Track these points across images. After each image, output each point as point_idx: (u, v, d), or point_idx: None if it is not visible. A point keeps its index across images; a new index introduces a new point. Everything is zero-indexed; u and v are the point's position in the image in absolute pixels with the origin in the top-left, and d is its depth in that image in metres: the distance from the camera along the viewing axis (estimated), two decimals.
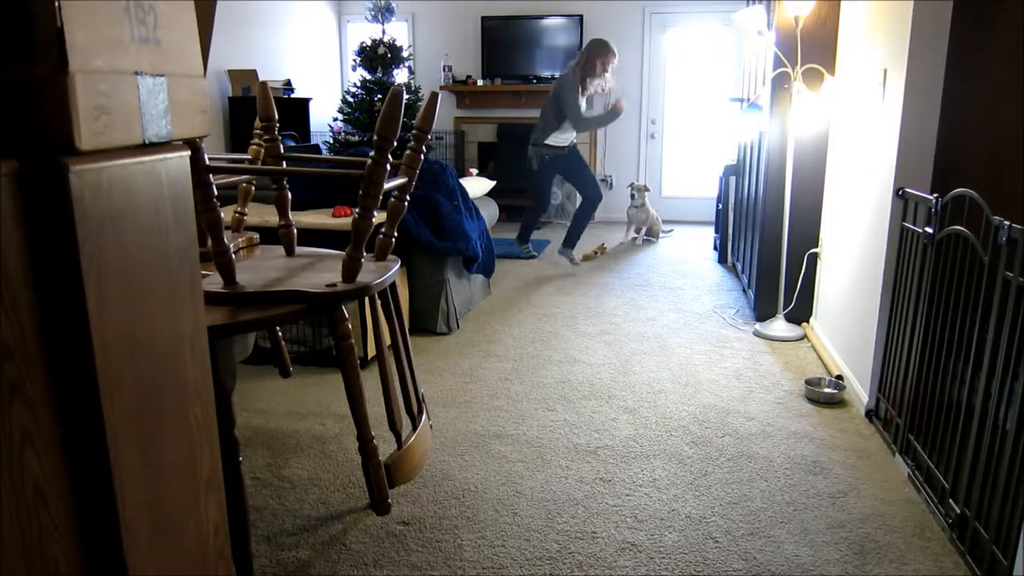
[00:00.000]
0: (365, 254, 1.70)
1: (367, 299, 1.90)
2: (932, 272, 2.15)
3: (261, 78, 5.96)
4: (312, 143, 6.52)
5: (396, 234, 1.93)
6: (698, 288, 4.60)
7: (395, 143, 1.58)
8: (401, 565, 1.80)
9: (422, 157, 1.85)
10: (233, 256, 1.60)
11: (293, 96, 6.44)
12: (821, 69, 3.37)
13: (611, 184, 7.35)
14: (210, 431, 0.97)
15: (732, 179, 5.30)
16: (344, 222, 3.09)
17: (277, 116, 2.03)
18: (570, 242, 5.19)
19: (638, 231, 6.24)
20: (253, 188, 2.13)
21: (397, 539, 1.91)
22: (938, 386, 2.10)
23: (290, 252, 2.00)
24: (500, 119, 7.55)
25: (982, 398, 1.81)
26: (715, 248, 5.73)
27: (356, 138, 6.74)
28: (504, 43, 7.41)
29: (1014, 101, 2.42)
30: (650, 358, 3.27)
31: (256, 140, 2.05)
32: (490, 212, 4.93)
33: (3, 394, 0.65)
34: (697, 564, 1.81)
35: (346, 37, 7.89)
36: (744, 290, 4.42)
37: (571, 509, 2.04)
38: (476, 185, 4.87)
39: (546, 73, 7.30)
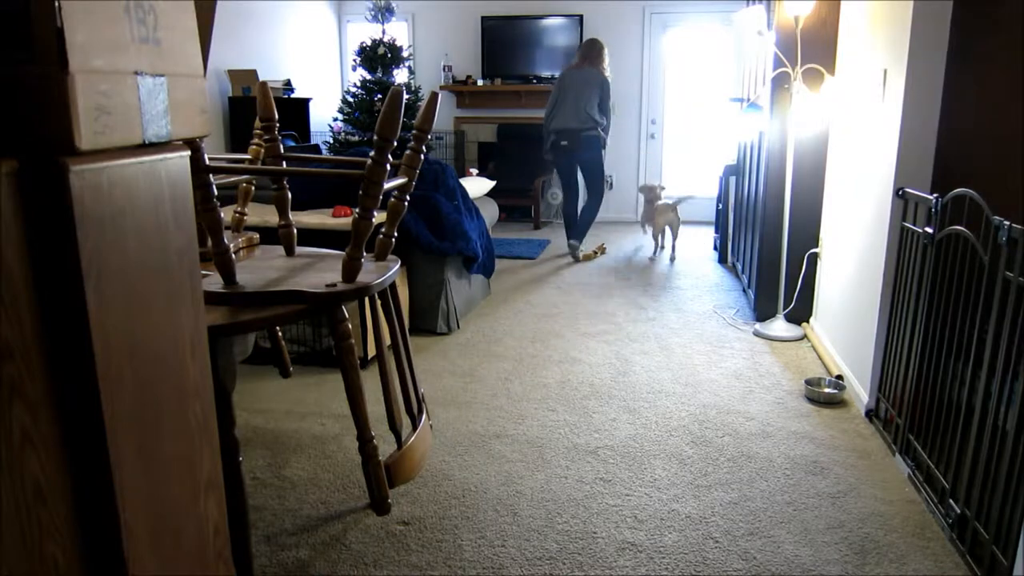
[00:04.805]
0: (365, 254, 1.70)
1: (367, 299, 1.90)
2: (932, 272, 2.15)
3: (261, 78, 5.96)
4: (312, 143, 6.51)
5: (396, 234, 1.93)
6: (698, 288, 4.60)
7: (395, 143, 1.59)
8: (401, 565, 1.80)
9: (422, 157, 1.85)
10: (233, 256, 1.61)
11: (293, 96, 6.44)
12: (821, 69, 3.37)
13: (611, 184, 7.34)
14: (210, 431, 0.97)
15: (732, 179, 5.30)
16: (344, 222, 3.09)
17: (277, 116, 2.03)
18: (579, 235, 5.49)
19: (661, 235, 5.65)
20: (253, 188, 2.13)
21: (397, 539, 1.91)
22: (938, 386, 2.10)
23: (290, 252, 2.01)
24: (500, 119, 7.55)
25: (982, 398, 1.81)
26: (715, 248, 5.73)
27: (356, 138, 6.74)
28: (504, 43, 7.41)
29: (1014, 101, 2.42)
30: (650, 358, 3.27)
31: (256, 140, 2.05)
32: (490, 212, 4.92)
33: (3, 394, 0.65)
34: (697, 564, 1.81)
35: (346, 37, 7.89)
36: (744, 290, 4.42)
37: (571, 509, 2.04)
38: (476, 185, 4.87)
39: (546, 73, 7.30)
